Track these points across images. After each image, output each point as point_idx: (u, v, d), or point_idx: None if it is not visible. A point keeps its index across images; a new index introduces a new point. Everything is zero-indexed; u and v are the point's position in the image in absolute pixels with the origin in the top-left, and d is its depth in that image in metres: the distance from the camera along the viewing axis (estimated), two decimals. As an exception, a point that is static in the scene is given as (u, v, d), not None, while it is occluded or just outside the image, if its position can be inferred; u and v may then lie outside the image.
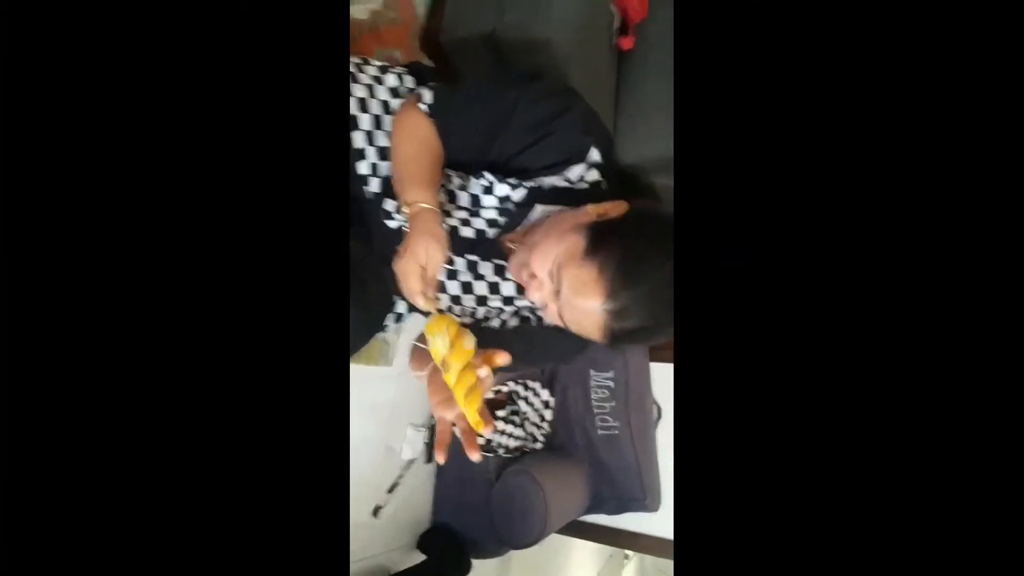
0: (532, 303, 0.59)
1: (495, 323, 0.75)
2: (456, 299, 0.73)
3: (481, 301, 0.73)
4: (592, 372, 1.66)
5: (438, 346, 0.53)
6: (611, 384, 1.66)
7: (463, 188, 0.67)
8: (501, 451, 1.44)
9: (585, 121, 0.62)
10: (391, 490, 1.43)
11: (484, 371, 0.54)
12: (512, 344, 0.61)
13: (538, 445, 1.59)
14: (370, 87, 0.71)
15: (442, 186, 0.66)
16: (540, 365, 0.72)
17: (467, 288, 0.72)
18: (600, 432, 1.64)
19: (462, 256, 0.70)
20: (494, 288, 0.72)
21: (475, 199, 0.67)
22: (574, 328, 0.57)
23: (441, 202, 0.63)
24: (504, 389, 1.48)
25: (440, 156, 0.65)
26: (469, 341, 0.53)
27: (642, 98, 1.42)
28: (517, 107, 0.61)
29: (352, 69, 0.72)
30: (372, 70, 0.73)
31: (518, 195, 0.65)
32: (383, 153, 0.71)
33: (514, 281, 0.66)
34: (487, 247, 0.68)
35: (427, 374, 0.60)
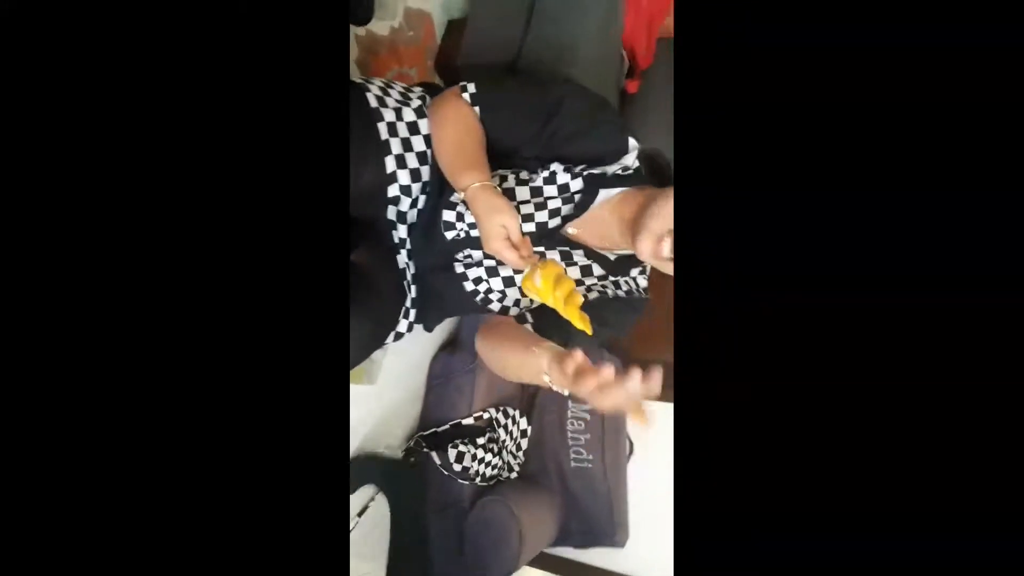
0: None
1: None
2: None
3: None
4: (570, 403, 1.67)
5: (535, 284, 0.58)
6: (587, 417, 1.66)
7: (523, 183, 0.70)
8: (478, 479, 1.41)
9: (619, 116, 0.72)
10: (361, 513, 1.37)
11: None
12: (591, 313, 0.61)
13: (513, 475, 1.57)
14: (398, 110, 0.72)
15: (499, 184, 0.70)
16: (607, 335, 0.73)
17: None
18: (573, 464, 1.63)
19: None
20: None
21: (536, 191, 0.70)
22: None
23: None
24: (485, 416, 1.46)
25: (483, 138, 0.69)
26: (556, 264, 0.58)
27: (643, 142, 1.48)
28: (566, 98, 0.67)
29: (379, 93, 0.72)
30: (396, 94, 0.74)
31: (577, 184, 0.69)
32: (414, 174, 0.72)
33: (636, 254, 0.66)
34: (551, 237, 0.72)
35: (550, 356, 0.58)
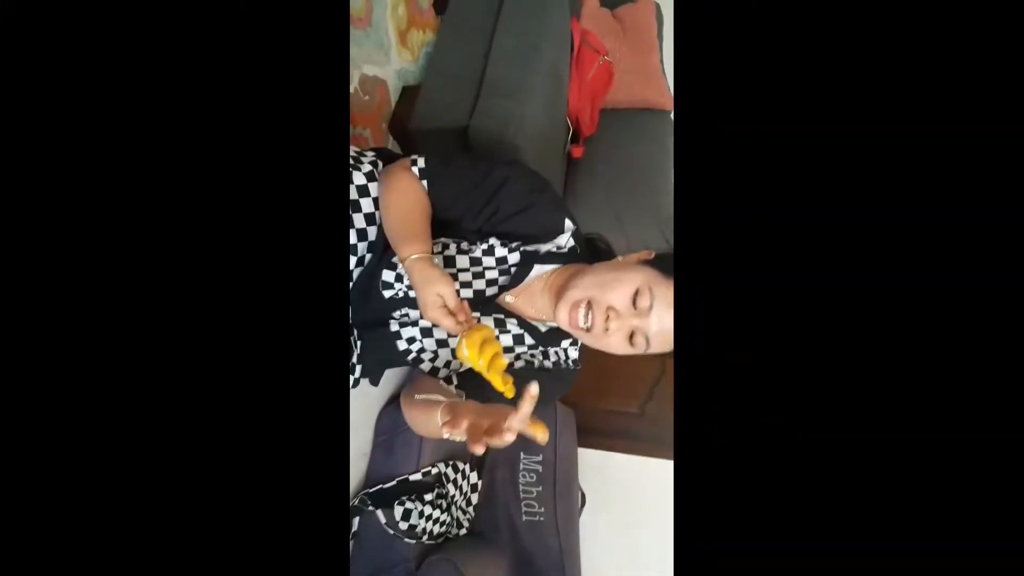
0: (605, 329, 0.65)
1: None
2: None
3: None
4: (522, 454, 1.66)
5: (462, 352, 0.60)
6: (539, 468, 1.66)
7: (464, 252, 0.74)
8: (425, 537, 1.38)
9: (558, 197, 0.78)
10: None
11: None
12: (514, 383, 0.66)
13: (462, 531, 1.54)
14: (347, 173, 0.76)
15: (440, 252, 0.74)
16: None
17: None
18: (525, 518, 1.61)
19: None
20: None
21: (475, 261, 0.74)
22: (655, 344, 0.66)
23: (437, 263, 0.71)
24: (433, 471, 1.44)
25: (428, 212, 0.74)
26: (482, 329, 0.60)
27: (587, 201, 1.57)
28: (509, 180, 0.73)
29: None
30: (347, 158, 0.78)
31: (514, 257, 0.74)
32: (360, 234, 0.75)
33: (556, 321, 0.72)
34: (487, 304, 0.75)
35: (443, 405, 0.63)
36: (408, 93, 1.36)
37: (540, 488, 1.63)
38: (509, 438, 0.52)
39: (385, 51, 1.30)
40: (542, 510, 1.62)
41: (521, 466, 1.66)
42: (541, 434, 0.52)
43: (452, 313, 0.64)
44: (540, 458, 1.67)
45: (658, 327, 0.66)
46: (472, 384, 0.74)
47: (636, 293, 0.65)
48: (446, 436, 0.57)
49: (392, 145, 1.37)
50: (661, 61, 1.79)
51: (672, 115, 1.76)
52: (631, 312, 0.65)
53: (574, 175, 1.62)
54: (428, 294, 0.64)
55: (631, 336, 0.66)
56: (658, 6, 1.86)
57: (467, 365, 0.62)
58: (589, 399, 1.86)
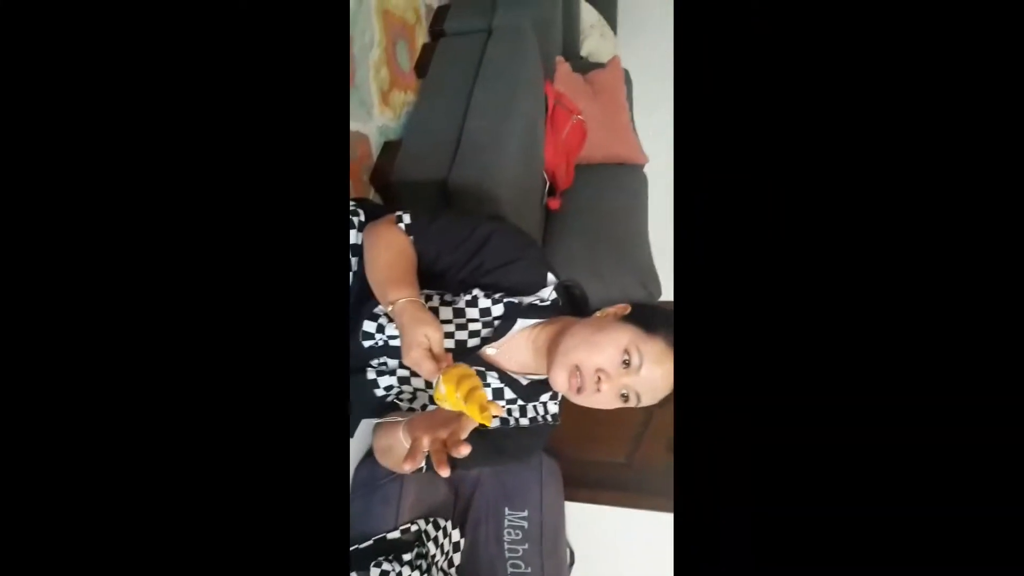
0: (597, 390, 0.66)
1: None
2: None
3: None
4: (507, 510, 1.61)
5: (440, 392, 0.58)
6: (525, 524, 1.60)
7: (447, 303, 0.75)
8: (404, 603, 1.30)
9: (542, 254, 0.79)
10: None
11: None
12: (488, 439, 0.66)
13: (443, 595, 1.45)
14: None
15: (424, 303, 0.74)
16: (505, 461, 0.81)
17: None
18: (510, 579, 1.53)
19: None
20: None
21: (458, 312, 0.74)
22: (645, 399, 0.67)
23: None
24: (413, 528, 1.38)
25: (415, 262, 0.74)
26: (458, 367, 0.59)
27: (565, 251, 1.61)
28: (493, 235, 0.75)
29: None
30: None
31: (498, 310, 0.75)
32: None
33: (551, 387, 0.73)
34: (467, 356, 0.75)
35: (403, 424, 0.64)
36: (389, 148, 1.42)
37: (526, 546, 1.56)
38: (464, 451, 0.56)
39: (368, 109, 1.36)
40: (529, 570, 1.54)
41: (506, 522, 1.59)
42: (495, 410, 0.57)
43: (435, 358, 0.62)
44: (525, 513, 1.61)
45: (648, 383, 0.66)
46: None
47: (624, 353, 0.66)
48: (407, 470, 0.58)
49: (374, 196, 1.41)
50: (632, 120, 1.90)
51: (644, 169, 1.85)
52: (621, 372, 0.66)
53: (552, 226, 1.67)
54: (416, 334, 0.62)
55: (622, 393, 0.67)
56: (626, 71, 2.00)
57: (444, 405, 0.59)
58: (574, 450, 1.82)
